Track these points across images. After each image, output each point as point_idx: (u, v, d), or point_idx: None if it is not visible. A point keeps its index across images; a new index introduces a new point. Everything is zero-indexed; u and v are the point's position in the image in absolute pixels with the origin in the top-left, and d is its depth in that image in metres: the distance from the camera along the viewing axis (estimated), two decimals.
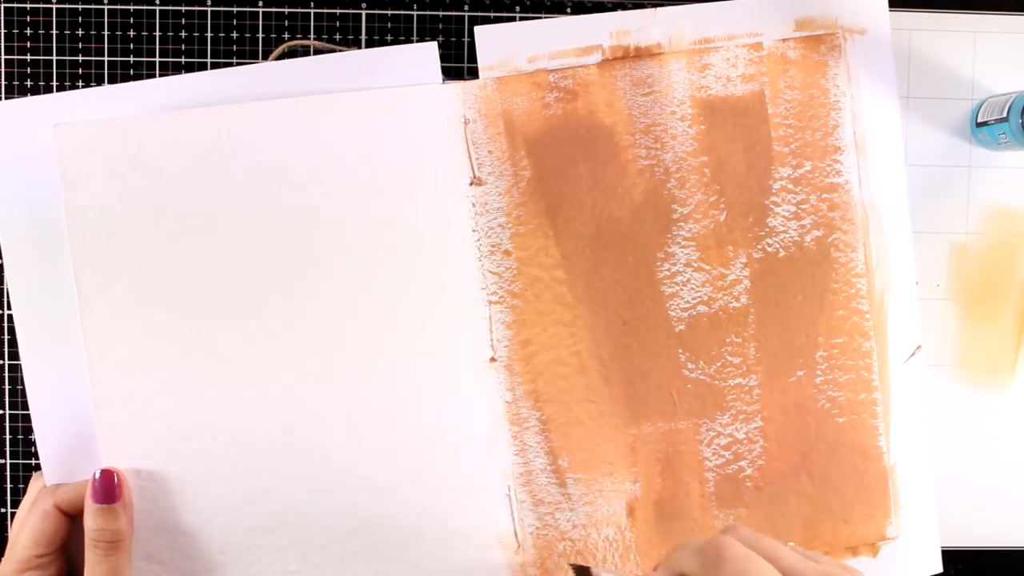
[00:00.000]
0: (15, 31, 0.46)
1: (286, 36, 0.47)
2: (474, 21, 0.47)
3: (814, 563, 0.33)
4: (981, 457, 0.49)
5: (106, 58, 0.47)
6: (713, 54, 0.45)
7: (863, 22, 0.46)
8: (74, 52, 0.47)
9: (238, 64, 0.47)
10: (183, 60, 0.47)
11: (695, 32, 0.45)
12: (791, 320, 0.46)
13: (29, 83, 0.47)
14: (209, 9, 0.47)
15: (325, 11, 0.47)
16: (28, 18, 0.46)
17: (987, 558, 0.50)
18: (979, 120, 0.47)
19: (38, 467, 0.44)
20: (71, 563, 0.42)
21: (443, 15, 0.48)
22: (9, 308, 0.46)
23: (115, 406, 0.42)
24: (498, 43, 0.45)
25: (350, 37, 0.47)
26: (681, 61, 0.45)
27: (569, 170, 0.45)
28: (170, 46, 0.47)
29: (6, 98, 0.46)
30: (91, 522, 0.41)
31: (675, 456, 0.46)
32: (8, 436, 0.47)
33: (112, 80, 0.47)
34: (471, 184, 0.45)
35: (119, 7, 0.47)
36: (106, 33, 0.47)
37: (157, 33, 0.47)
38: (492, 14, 0.48)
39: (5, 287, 0.46)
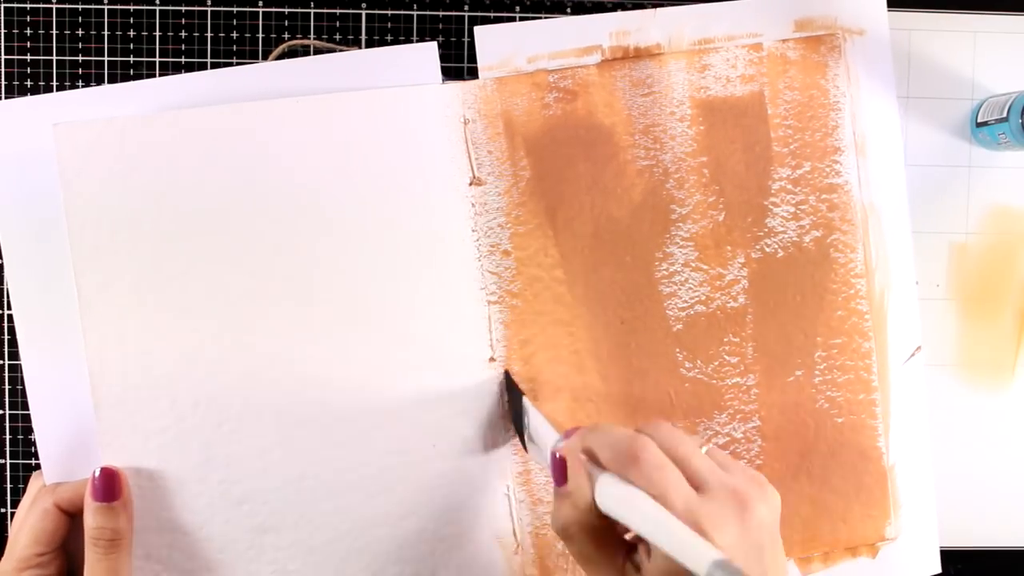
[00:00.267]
0: (15, 31, 0.46)
1: (286, 36, 0.47)
2: (474, 21, 0.47)
3: (722, 472, 0.33)
4: (981, 457, 0.49)
5: (106, 58, 0.47)
6: (713, 55, 0.45)
7: (862, 22, 0.46)
8: (74, 52, 0.47)
9: (238, 64, 0.47)
10: (183, 60, 0.47)
11: (695, 32, 0.45)
12: (789, 320, 0.46)
13: (29, 83, 0.47)
14: (209, 9, 0.47)
15: (325, 11, 0.47)
16: (28, 18, 0.46)
17: (986, 558, 0.50)
18: (979, 120, 0.47)
19: (38, 467, 0.44)
20: (71, 562, 0.42)
21: (443, 15, 0.48)
22: (9, 308, 0.46)
23: (115, 406, 0.42)
24: (498, 43, 0.45)
25: (350, 37, 0.47)
26: (681, 62, 0.45)
27: (568, 170, 0.45)
28: (170, 46, 0.47)
29: (6, 98, 0.46)
30: (91, 520, 0.41)
31: None
32: (8, 436, 0.47)
33: (112, 80, 0.47)
34: (470, 184, 0.45)
35: (119, 7, 0.47)
36: (106, 33, 0.47)
37: (157, 33, 0.47)
38: (492, 14, 0.48)
39: (5, 287, 0.46)
